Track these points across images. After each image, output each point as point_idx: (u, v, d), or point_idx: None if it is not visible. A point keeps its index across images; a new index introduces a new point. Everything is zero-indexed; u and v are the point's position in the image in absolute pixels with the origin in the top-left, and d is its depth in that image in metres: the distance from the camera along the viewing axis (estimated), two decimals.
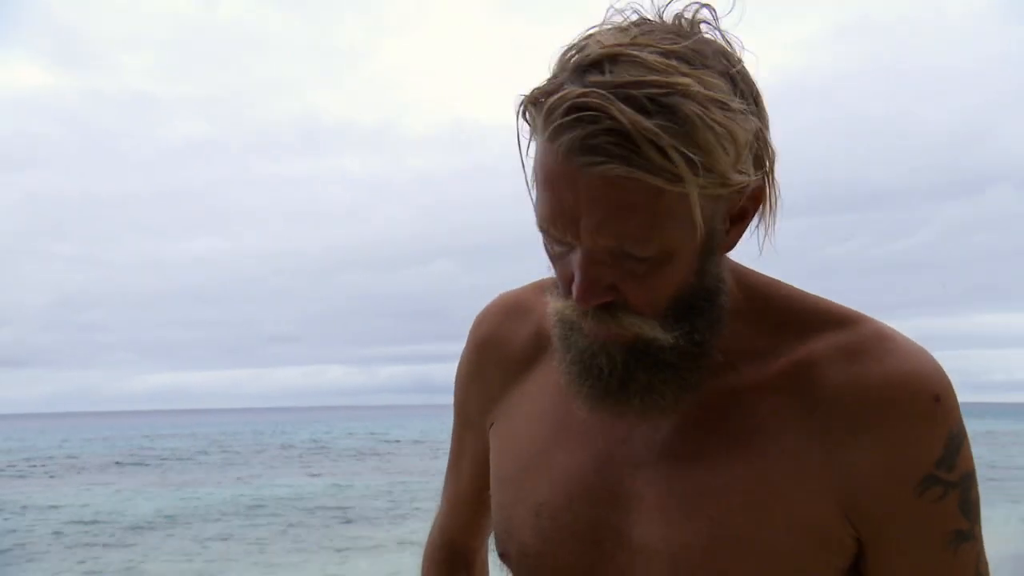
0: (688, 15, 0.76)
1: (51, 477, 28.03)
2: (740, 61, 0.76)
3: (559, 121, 0.70)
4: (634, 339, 0.77)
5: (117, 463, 33.12)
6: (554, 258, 0.79)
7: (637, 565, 0.81)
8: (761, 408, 0.80)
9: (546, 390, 0.90)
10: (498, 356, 0.96)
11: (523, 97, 0.74)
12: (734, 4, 0.77)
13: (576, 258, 0.75)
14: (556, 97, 0.71)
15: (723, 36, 0.76)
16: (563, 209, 0.73)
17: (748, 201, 0.78)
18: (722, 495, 0.78)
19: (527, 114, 0.75)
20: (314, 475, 26.49)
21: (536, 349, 0.93)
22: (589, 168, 0.70)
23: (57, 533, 15.62)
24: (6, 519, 17.52)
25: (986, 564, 0.81)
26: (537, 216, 0.77)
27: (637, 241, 0.73)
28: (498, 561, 0.92)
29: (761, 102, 0.77)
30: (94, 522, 16.86)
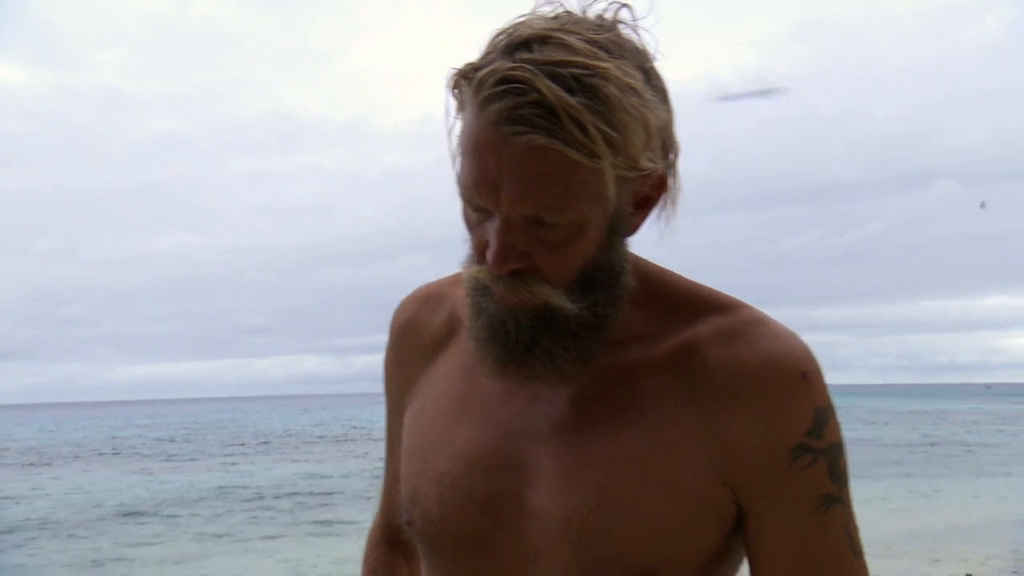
0: (609, 14, 0.79)
1: (30, 466, 27.62)
2: (653, 59, 0.80)
3: (488, 91, 0.73)
4: (541, 306, 0.79)
5: (97, 452, 32.69)
6: (471, 226, 0.81)
7: (533, 530, 0.83)
8: (650, 385, 0.83)
9: (453, 370, 0.93)
10: (414, 342, 0.98)
11: (455, 71, 0.77)
12: (651, 8, 0.80)
13: (493, 225, 0.77)
14: (487, 70, 0.73)
15: (639, 36, 0.80)
16: (486, 176, 0.75)
17: (652, 189, 0.81)
18: (611, 463, 0.81)
19: (457, 88, 0.77)
20: (292, 461, 26.35)
21: (448, 334, 0.95)
22: (514, 137, 0.72)
23: (39, 520, 15.41)
24: (5, 508, 17.25)
25: (856, 528, 0.83)
26: (460, 184, 0.79)
27: (553, 210, 0.75)
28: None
29: (669, 99, 0.80)
30: (76, 510, 16.65)
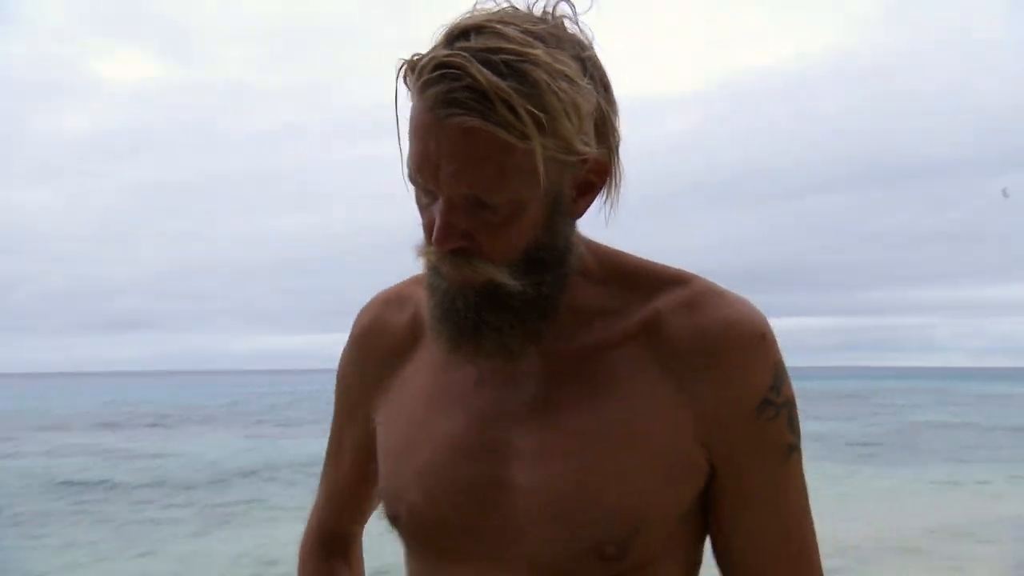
0: (550, 8, 0.81)
1: (157, 428, 29.08)
2: (590, 48, 0.82)
3: (426, 77, 0.76)
4: (486, 284, 0.81)
5: (220, 417, 34.17)
6: (421, 208, 0.83)
7: (517, 508, 0.84)
8: (619, 358, 0.86)
9: (424, 367, 0.93)
10: (378, 345, 0.98)
11: (403, 61, 0.79)
12: (592, 3, 0.82)
13: (437, 206, 0.79)
14: (426, 58, 0.77)
15: (580, 28, 0.82)
16: (427, 158, 0.78)
17: (593, 174, 0.83)
18: (589, 435, 0.84)
19: (405, 77, 0.79)
20: None
21: (414, 334, 0.95)
22: (449, 119, 0.75)
23: (167, 478, 16.18)
24: (134, 465, 18.23)
25: (802, 475, 0.89)
26: (408, 167, 0.81)
27: (488, 191, 0.77)
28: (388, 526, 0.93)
29: (610, 88, 0.83)
30: (200, 469, 17.41)
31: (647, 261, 0.91)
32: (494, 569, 0.85)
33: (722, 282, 0.90)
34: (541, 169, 0.76)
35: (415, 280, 0.96)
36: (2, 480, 15.99)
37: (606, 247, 0.90)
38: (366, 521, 1.10)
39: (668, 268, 0.90)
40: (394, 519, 0.91)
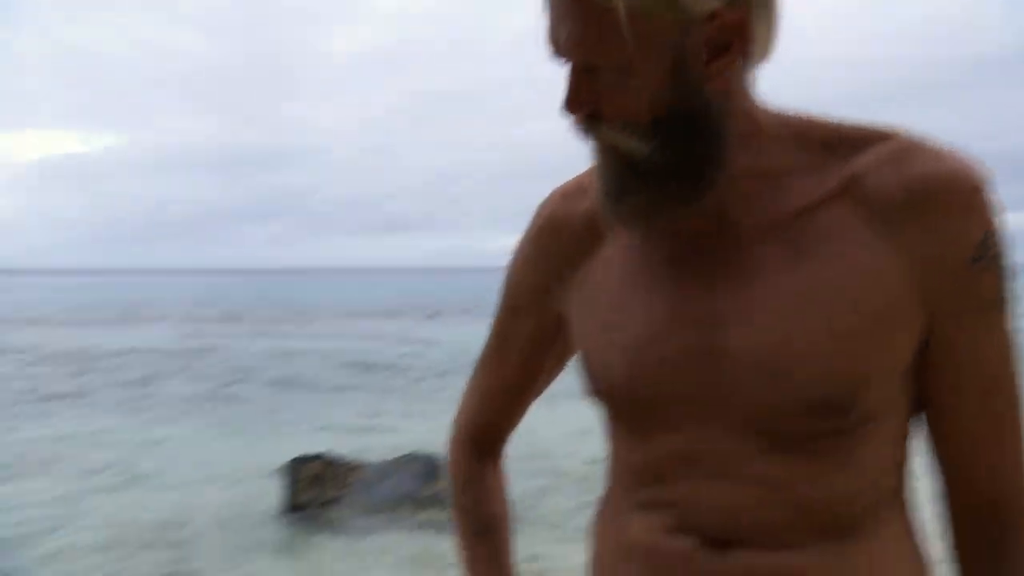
0: None
1: (438, 319, 31.49)
2: None
3: None
4: (621, 152, 0.80)
5: (475, 308, 36.38)
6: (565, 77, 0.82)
7: (731, 370, 0.82)
8: (824, 218, 0.82)
9: (615, 251, 0.91)
10: (560, 237, 0.96)
11: None
12: None
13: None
14: None
15: None
16: (550, 27, 0.78)
17: (727, 33, 0.76)
18: (801, 295, 0.81)
19: None
20: None
21: (595, 222, 0.93)
22: None
23: (426, 364, 17.79)
24: (414, 349, 20.25)
25: (1014, 330, 0.85)
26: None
27: (594, 54, 0.76)
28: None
29: None
30: (458, 355, 18.93)
31: (843, 120, 0.85)
32: (705, 433, 0.83)
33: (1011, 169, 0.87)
34: (625, 26, 0.73)
35: (590, 171, 0.92)
36: (308, 359, 18.53)
37: (793, 110, 0.86)
38: (515, 427, 1.09)
39: (868, 125, 0.84)
40: (599, 394, 0.90)
